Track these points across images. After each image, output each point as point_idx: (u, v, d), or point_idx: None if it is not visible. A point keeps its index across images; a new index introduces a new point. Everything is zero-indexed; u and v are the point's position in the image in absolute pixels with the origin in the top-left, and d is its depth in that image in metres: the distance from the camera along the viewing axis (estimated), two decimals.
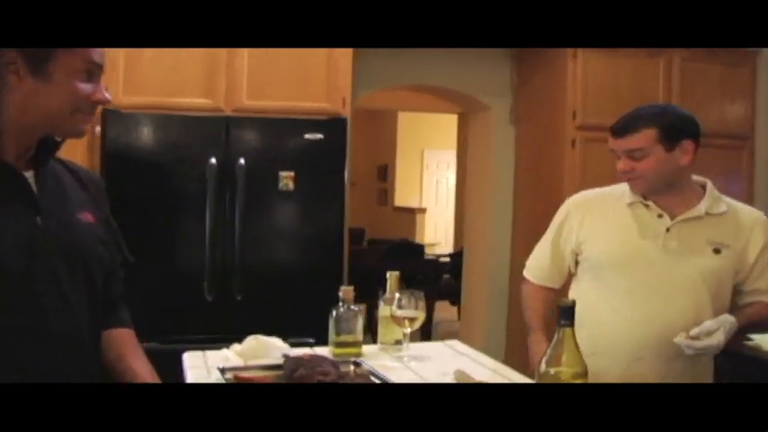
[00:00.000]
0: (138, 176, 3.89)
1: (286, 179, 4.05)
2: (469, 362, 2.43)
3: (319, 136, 4.11)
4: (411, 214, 11.35)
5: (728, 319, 2.29)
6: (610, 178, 5.09)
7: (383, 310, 2.51)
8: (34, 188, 1.56)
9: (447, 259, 8.08)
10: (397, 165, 12.20)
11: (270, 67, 4.38)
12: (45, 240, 1.51)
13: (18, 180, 1.53)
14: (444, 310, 7.94)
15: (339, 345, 2.38)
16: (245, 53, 4.33)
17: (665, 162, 2.36)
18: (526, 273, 2.75)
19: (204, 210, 3.90)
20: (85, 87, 1.53)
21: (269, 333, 2.42)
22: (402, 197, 12.10)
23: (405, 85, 5.74)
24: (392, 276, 2.55)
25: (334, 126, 4.19)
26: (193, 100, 4.20)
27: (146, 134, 3.93)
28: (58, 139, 1.62)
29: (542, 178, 5.38)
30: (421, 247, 7.95)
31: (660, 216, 2.43)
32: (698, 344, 2.22)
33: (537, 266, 2.71)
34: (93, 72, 1.55)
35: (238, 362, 2.27)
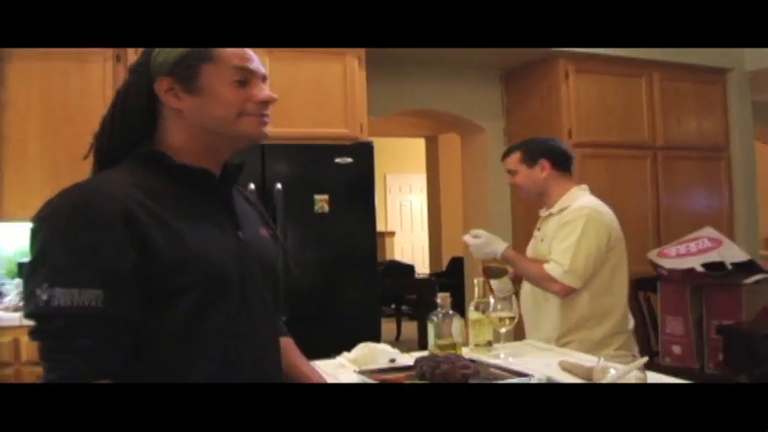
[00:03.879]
0: None
1: (321, 202, 4.24)
2: (556, 354, 2.65)
3: (349, 160, 4.31)
4: (381, 238, 11.53)
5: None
6: (606, 191, 5.41)
7: (473, 314, 2.73)
8: None
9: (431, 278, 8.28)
10: None
11: (289, 94, 4.56)
12: (246, 252, 1.63)
13: (224, 197, 1.66)
14: None
15: (440, 347, 2.57)
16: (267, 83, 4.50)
17: (527, 176, 3.21)
18: (577, 285, 3.02)
19: None
20: (240, 92, 1.58)
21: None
22: None
23: (405, 111, 5.95)
24: (479, 283, 2.79)
25: (362, 150, 4.39)
26: None
27: None
28: (240, 162, 1.77)
29: None
30: (411, 268, 8.14)
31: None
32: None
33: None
34: (246, 77, 1.59)
35: (353, 368, 2.45)
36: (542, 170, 3.18)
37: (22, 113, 4.30)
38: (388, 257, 11.08)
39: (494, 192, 6.04)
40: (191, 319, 1.47)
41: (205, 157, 1.62)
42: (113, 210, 1.40)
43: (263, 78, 1.65)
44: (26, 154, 4.28)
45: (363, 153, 4.40)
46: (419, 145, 10.13)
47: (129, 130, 1.59)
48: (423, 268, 10.33)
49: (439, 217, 9.59)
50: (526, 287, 3.24)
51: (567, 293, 2.99)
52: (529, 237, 5.81)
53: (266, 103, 1.63)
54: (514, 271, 3.16)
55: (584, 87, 5.49)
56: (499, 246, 3.09)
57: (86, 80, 4.35)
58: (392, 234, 11.90)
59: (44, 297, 1.33)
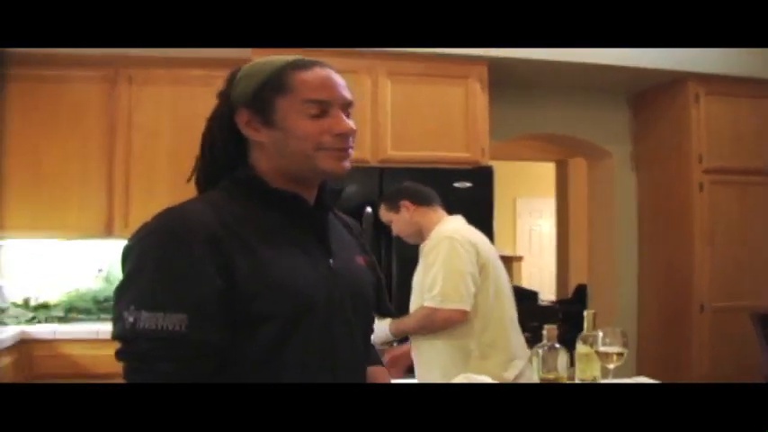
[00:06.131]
0: None
1: None
2: None
3: (468, 184, 4.28)
4: (508, 263, 11.34)
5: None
6: (738, 217, 5.18)
7: (581, 348, 2.65)
8: None
9: (556, 305, 8.13)
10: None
11: (410, 118, 4.59)
12: (336, 280, 1.61)
13: (317, 225, 1.64)
14: None
15: (544, 381, 2.51)
16: (387, 107, 4.55)
17: (397, 221, 3.33)
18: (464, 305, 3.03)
19: None
20: (316, 125, 1.54)
21: None
22: (497, 246, 12.08)
23: (530, 135, 5.88)
24: (589, 315, 2.69)
25: (481, 175, 4.36)
26: None
27: None
28: (338, 187, 1.77)
29: (670, 222, 5.46)
30: (535, 294, 8.02)
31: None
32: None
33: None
34: (324, 109, 1.55)
35: None
36: (407, 210, 3.31)
37: (153, 135, 4.49)
38: (515, 283, 10.89)
39: (620, 217, 5.88)
40: (272, 347, 1.46)
41: (296, 184, 1.60)
42: (202, 235, 1.41)
43: (346, 106, 1.60)
44: (154, 174, 4.46)
45: (483, 177, 4.37)
46: (549, 169, 9.99)
47: (219, 157, 1.62)
48: (549, 294, 10.11)
49: (567, 243, 9.41)
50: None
51: (456, 318, 3.02)
52: (659, 264, 5.71)
53: (345, 135, 1.57)
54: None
55: (715, 110, 5.27)
56: (383, 327, 3.16)
57: (212, 104, 4.47)
58: (520, 259, 11.68)
59: (130, 319, 1.35)
